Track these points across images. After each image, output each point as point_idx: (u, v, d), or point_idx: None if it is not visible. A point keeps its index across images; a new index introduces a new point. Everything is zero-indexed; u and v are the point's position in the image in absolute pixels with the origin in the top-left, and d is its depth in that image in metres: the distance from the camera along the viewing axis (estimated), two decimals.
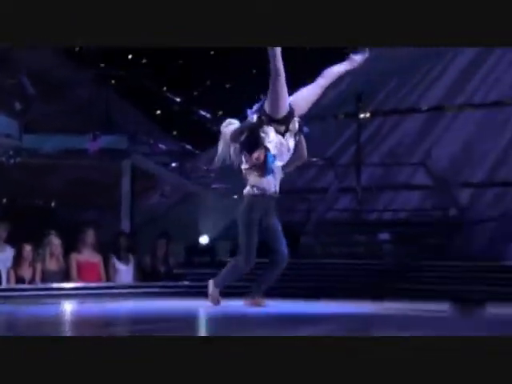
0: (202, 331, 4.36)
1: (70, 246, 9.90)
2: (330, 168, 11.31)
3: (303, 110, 6.05)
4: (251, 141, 5.83)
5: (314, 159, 10.28)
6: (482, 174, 11.72)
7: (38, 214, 11.24)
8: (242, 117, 6.22)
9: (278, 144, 5.80)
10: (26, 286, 9.17)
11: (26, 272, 9.44)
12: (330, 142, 11.66)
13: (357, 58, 6.23)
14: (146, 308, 6.63)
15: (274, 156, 5.78)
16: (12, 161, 10.56)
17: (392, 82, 12.20)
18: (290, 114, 5.84)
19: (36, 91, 10.57)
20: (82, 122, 11.06)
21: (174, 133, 12.73)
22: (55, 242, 9.65)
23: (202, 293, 8.70)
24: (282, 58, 5.83)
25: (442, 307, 5.89)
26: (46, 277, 9.49)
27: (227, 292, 6.74)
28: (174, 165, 11.97)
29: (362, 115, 11.59)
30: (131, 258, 10.14)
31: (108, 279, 9.91)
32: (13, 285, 9.13)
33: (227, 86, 12.77)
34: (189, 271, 10.06)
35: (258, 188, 5.93)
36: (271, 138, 5.76)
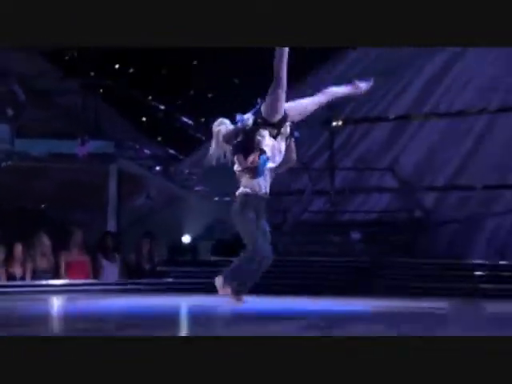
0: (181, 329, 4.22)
1: (60, 245, 9.83)
2: (305, 172, 11.27)
3: (295, 119, 5.91)
4: (247, 144, 5.66)
5: None
6: (445, 179, 11.72)
7: (28, 215, 11.18)
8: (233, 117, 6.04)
9: (271, 147, 5.68)
10: (16, 282, 9.09)
11: (17, 270, 9.33)
12: (305, 148, 11.63)
13: (361, 86, 6.07)
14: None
15: (268, 158, 5.63)
16: (4, 164, 10.49)
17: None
18: (284, 118, 5.70)
19: (27, 98, 10.52)
20: (71, 128, 11.02)
21: (159, 138, 12.74)
22: (45, 241, 9.59)
23: (184, 289, 8.70)
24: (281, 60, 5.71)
25: (408, 303, 5.88)
26: (37, 274, 9.38)
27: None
28: (158, 168, 11.93)
29: (334, 123, 11.59)
30: (117, 256, 10.08)
31: (95, 277, 9.80)
32: (3, 282, 9.03)
33: (209, 95, 12.74)
34: (172, 269, 10.04)
35: (250, 189, 5.75)
36: (267, 141, 5.63)
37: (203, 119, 12.55)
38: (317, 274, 9.23)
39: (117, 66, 12.74)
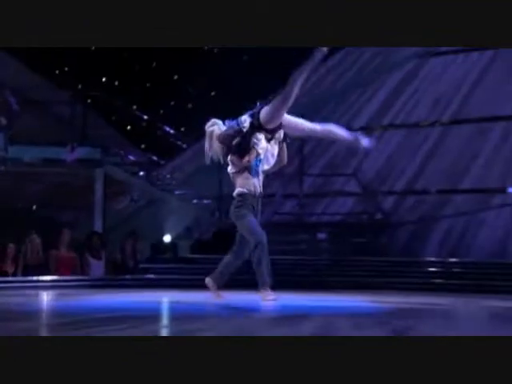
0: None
1: (49, 243, 9.72)
2: (276, 177, 11.23)
3: (288, 131, 5.64)
4: (243, 145, 5.46)
5: None
6: (402, 185, 11.78)
7: (20, 216, 11.09)
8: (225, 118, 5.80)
9: (265, 150, 5.51)
10: (8, 278, 8.92)
11: (9, 267, 9.20)
12: None
13: (363, 142, 5.72)
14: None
15: (261, 160, 5.47)
16: None
17: (330, 103, 12.19)
18: (279, 126, 5.52)
19: (20, 108, 10.46)
20: (60, 136, 10.92)
21: (142, 146, 12.75)
22: (36, 240, 9.50)
23: (165, 285, 8.62)
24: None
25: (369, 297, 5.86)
26: (28, 271, 9.23)
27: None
28: (141, 173, 11.85)
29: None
30: (103, 254, 9.96)
31: (82, 273, 9.67)
32: None
33: (189, 106, 12.72)
34: (154, 266, 9.95)
35: (246, 189, 5.52)
36: (262, 144, 5.45)
37: (183, 128, 12.57)
38: (286, 271, 9.17)
39: (103, 79, 12.74)
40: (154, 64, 12.94)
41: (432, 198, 11.47)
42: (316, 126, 5.64)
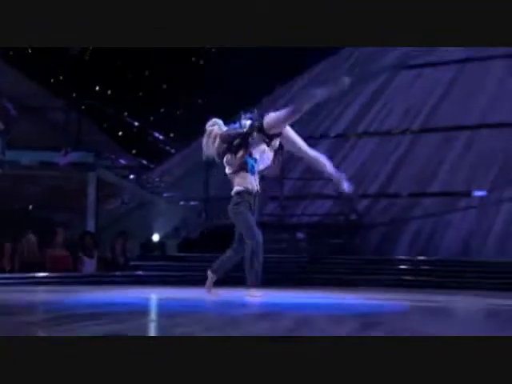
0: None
1: (45, 242, 9.69)
2: (259, 180, 11.26)
3: (283, 143, 5.46)
4: (240, 144, 5.30)
5: None
6: (375, 188, 11.82)
7: (17, 216, 11.01)
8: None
9: (262, 151, 5.32)
10: (5, 275, 8.83)
11: (7, 264, 9.16)
12: None
13: (343, 185, 5.42)
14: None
15: (256, 160, 5.29)
16: None
17: (310, 110, 12.21)
18: (278, 134, 5.34)
19: (17, 114, 10.39)
20: (55, 140, 10.86)
21: (133, 151, 12.70)
22: (32, 239, 9.47)
23: (152, 281, 8.57)
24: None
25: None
26: (24, 268, 9.14)
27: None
28: (132, 177, 11.78)
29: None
30: (95, 252, 9.89)
31: (75, 270, 9.59)
32: None
33: (177, 113, 12.70)
34: (143, 263, 9.90)
35: (244, 187, 5.33)
36: (259, 145, 5.27)
37: (172, 134, 12.55)
38: (268, 269, 9.15)
39: (97, 88, 12.70)
40: (147, 73, 12.91)
41: (402, 201, 11.52)
42: (309, 151, 5.47)
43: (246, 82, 10.96)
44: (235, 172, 5.40)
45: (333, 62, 12.23)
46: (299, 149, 5.44)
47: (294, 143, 5.41)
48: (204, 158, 5.60)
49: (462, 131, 11.27)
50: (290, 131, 5.39)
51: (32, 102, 11.27)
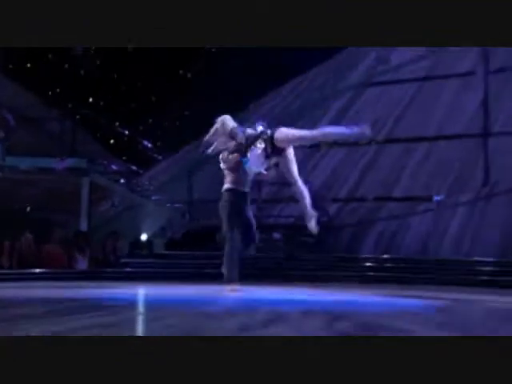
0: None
1: (41, 241, 9.58)
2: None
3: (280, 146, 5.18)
4: (244, 145, 5.06)
5: None
6: (345, 193, 11.88)
7: (16, 217, 10.87)
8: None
9: (258, 155, 5.06)
10: (4, 271, 8.73)
11: (5, 261, 9.04)
12: None
13: (312, 224, 5.21)
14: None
15: (247, 161, 5.05)
16: None
17: (287, 121, 12.25)
18: (281, 150, 5.06)
19: (16, 123, 10.31)
20: (52, 147, 10.81)
21: (124, 157, 12.61)
22: (29, 238, 9.34)
23: (142, 278, 8.52)
24: None
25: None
26: (21, 264, 9.05)
27: None
28: (122, 181, 11.73)
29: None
30: (87, 250, 9.79)
31: (69, 266, 9.49)
32: None
33: (165, 123, 12.66)
34: (132, 260, 9.83)
35: (234, 185, 5.19)
36: (257, 148, 5.03)
37: (159, 143, 12.52)
38: (246, 265, 9.15)
39: (90, 100, 12.62)
40: (137, 85, 12.85)
41: (369, 205, 11.59)
42: (299, 181, 5.16)
43: (229, 95, 10.98)
44: (229, 169, 5.23)
45: (326, 67, 12.24)
46: (291, 175, 5.17)
47: (289, 168, 5.14)
48: (203, 148, 5.38)
49: (422, 142, 11.39)
50: (291, 155, 5.15)
51: (30, 112, 11.20)
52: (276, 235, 11.16)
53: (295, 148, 5.22)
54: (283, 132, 5.09)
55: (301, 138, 5.11)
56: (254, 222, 5.31)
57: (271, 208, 11.92)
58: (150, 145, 12.49)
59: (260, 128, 5.16)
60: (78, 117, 11.91)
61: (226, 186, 5.23)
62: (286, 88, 12.10)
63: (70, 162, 10.58)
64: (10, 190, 10.72)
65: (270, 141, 5.06)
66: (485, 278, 8.46)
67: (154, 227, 11.18)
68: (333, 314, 3.47)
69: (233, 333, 2.46)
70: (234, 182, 5.19)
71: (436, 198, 10.96)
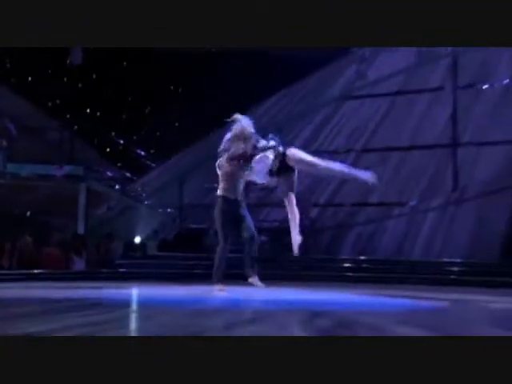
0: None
1: (40, 243, 9.49)
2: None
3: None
4: (251, 153, 4.91)
5: (216, 184, 10.23)
6: (325, 198, 11.91)
7: (17, 220, 10.78)
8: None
9: (265, 167, 4.92)
10: (5, 271, 8.62)
11: (6, 262, 8.96)
12: None
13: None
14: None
15: (250, 169, 4.90)
16: None
17: (271, 131, 12.29)
18: (291, 169, 4.95)
19: (18, 133, 10.25)
20: (51, 155, 10.73)
21: (119, 164, 12.55)
22: (29, 240, 9.26)
23: (135, 278, 8.45)
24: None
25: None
26: (21, 265, 8.95)
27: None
28: (117, 187, 11.68)
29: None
30: (84, 252, 9.71)
31: (67, 267, 9.41)
32: None
33: (157, 133, 12.64)
34: (126, 261, 9.76)
35: (225, 191, 5.05)
36: (267, 160, 4.86)
37: (152, 151, 12.50)
38: (233, 266, 9.13)
39: (88, 111, 12.57)
40: (131, 98, 12.83)
41: (347, 209, 11.64)
42: (292, 204, 5.01)
43: (215, 108, 11.02)
44: (223, 176, 5.09)
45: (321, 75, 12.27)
46: (289, 197, 5.00)
47: (290, 190, 4.98)
48: (221, 149, 5.13)
49: (396, 152, 11.47)
50: (295, 177, 4.98)
51: (31, 122, 11.15)
52: (262, 238, 11.16)
53: None
54: (296, 152, 4.94)
55: (310, 164, 4.95)
56: (251, 225, 5.18)
57: (258, 212, 11.91)
58: (143, 153, 12.47)
59: (272, 142, 5.01)
60: (75, 127, 11.84)
61: (219, 192, 5.12)
62: (271, 100, 12.13)
63: (67, 169, 10.52)
64: (11, 195, 10.63)
65: (281, 157, 4.90)
66: (454, 277, 8.53)
67: (146, 230, 11.12)
68: (313, 311, 3.49)
69: (219, 330, 2.46)
70: (225, 189, 5.07)
71: (408, 203, 11.04)
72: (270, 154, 4.95)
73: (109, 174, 11.78)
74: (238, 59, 11.56)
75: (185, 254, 9.70)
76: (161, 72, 12.15)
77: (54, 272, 8.76)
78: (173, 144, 11.81)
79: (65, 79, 12.30)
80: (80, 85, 12.45)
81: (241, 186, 5.11)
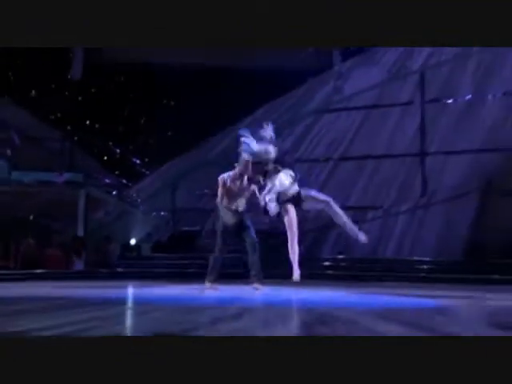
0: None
1: (42, 245, 9.50)
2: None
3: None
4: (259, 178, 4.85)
5: (206, 190, 10.23)
6: None
7: (20, 224, 10.70)
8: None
9: (276, 191, 4.74)
10: (10, 271, 8.57)
11: (11, 262, 9.06)
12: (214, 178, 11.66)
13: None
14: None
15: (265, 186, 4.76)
16: (3, 188, 10.11)
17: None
18: (297, 201, 4.83)
19: (21, 142, 10.20)
20: (52, 163, 10.72)
21: (116, 172, 12.50)
22: (31, 242, 9.31)
23: (131, 277, 8.41)
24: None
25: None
26: (25, 266, 8.90)
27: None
28: (114, 193, 11.65)
29: (236, 163, 11.61)
30: (83, 253, 9.67)
31: (67, 267, 9.37)
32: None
33: (151, 143, 12.62)
34: (122, 262, 9.72)
35: (225, 202, 5.04)
36: (274, 186, 4.70)
37: (147, 159, 12.47)
38: (226, 266, 9.13)
39: (87, 122, 12.52)
40: (126, 111, 12.82)
41: (327, 213, 11.66)
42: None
43: (204, 121, 11.09)
44: (228, 190, 5.03)
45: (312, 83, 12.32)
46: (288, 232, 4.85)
47: (288, 226, 4.82)
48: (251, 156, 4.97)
49: (370, 160, 11.58)
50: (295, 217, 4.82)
51: (34, 133, 11.10)
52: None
53: None
54: (310, 194, 4.89)
55: (319, 200, 4.95)
56: (251, 231, 5.15)
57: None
58: (138, 161, 12.43)
59: (290, 176, 4.86)
60: (76, 137, 11.78)
61: (221, 201, 5.06)
62: (259, 112, 12.19)
63: (68, 176, 10.49)
64: (15, 200, 10.55)
65: (297, 196, 4.80)
66: (423, 274, 8.62)
67: (141, 233, 11.09)
68: (295, 308, 3.52)
69: (205, 325, 2.49)
70: (225, 200, 5.03)
71: (382, 207, 11.13)
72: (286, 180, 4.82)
73: (106, 180, 11.73)
74: (226, 75, 11.62)
75: (178, 255, 9.69)
76: (154, 87, 12.18)
77: (55, 272, 8.71)
78: (165, 153, 11.83)
79: (66, 93, 12.26)
80: (80, 98, 12.42)
81: (244, 200, 5.04)
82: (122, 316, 3.04)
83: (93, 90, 12.55)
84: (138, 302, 4.30)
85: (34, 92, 12.06)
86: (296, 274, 4.92)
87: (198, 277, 7.51)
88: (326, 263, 9.68)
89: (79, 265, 9.50)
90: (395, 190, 11.14)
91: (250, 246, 5.14)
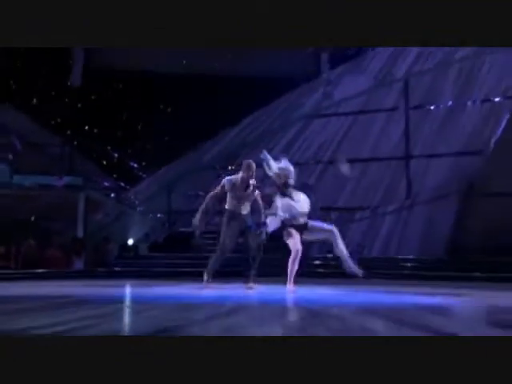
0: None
1: (43, 245, 9.43)
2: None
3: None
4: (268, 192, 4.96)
5: (200, 192, 10.20)
6: None
7: (22, 225, 10.58)
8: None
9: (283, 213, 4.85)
10: (11, 271, 8.47)
11: (12, 263, 8.95)
12: (208, 181, 11.62)
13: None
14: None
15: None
16: (5, 191, 10.01)
17: (247, 148, 12.34)
18: (307, 227, 4.93)
19: (22, 147, 10.12)
20: (52, 168, 10.62)
21: (114, 175, 12.45)
22: (32, 243, 9.25)
23: (129, 276, 8.34)
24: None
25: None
26: (26, 266, 8.80)
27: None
28: (113, 195, 11.59)
29: (230, 167, 11.62)
30: (83, 253, 9.59)
31: (67, 267, 9.28)
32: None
33: (148, 147, 12.58)
34: (120, 261, 9.66)
35: (230, 206, 5.02)
36: (277, 202, 4.82)
37: (144, 163, 12.43)
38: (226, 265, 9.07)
39: (86, 128, 12.46)
40: (125, 117, 12.76)
41: (317, 213, 11.68)
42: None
43: (200, 126, 11.07)
44: (235, 195, 5.01)
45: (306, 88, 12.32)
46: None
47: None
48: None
49: (358, 163, 11.60)
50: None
51: (35, 138, 11.02)
52: (240, 240, 11.13)
53: None
54: (317, 226, 4.96)
55: (324, 230, 5.00)
56: (255, 237, 5.16)
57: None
58: (135, 165, 12.39)
59: (303, 198, 5.00)
60: (75, 142, 11.71)
61: (227, 206, 5.07)
62: (253, 116, 12.18)
63: (67, 179, 10.41)
64: (16, 203, 10.44)
65: (304, 226, 4.90)
66: (407, 272, 8.63)
67: (139, 233, 11.03)
68: (287, 305, 3.49)
69: (200, 321, 2.45)
70: (230, 204, 5.04)
71: (369, 207, 11.15)
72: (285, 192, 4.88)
73: (105, 184, 11.69)
74: (221, 82, 11.61)
75: (174, 254, 9.64)
76: (151, 93, 12.15)
77: (55, 271, 8.63)
78: (162, 157, 11.81)
79: (66, 100, 12.19)
80: (79, 105, 12.35)
81: (248, 204, 5.06)
82: (119, 314, 2.99)
83: (92, 97, 12.50)
84: (135, 300, 4.24)
85: (35, 99, 11.99)
86: (289, 287, 5.01)
87: (193, 276, 7.45)
88: (316, 262, 9.66)
89: (79, 264, 9.42)
90: (381, 192, 11.18)
91: (253, 247, 5.18)
